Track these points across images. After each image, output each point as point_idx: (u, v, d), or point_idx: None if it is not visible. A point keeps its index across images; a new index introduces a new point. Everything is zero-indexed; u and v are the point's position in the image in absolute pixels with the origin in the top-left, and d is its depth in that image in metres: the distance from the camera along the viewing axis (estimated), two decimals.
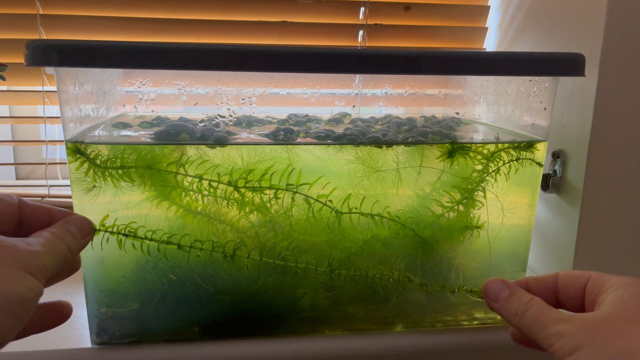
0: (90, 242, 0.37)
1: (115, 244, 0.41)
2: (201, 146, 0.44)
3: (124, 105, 0.54)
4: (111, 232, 0.40)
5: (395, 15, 0.74)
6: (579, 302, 0.34)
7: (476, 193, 0.48)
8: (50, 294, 0.58)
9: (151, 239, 0.41)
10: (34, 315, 0.31)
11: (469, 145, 0.47)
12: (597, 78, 0.52)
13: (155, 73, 0.45)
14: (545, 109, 0.49)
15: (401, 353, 0.49)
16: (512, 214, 0.50)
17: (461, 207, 0.48)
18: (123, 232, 0.40)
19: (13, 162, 0.82)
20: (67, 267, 0.36)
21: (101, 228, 0.39)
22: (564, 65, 0.45)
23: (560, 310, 0.32)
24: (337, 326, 0.50)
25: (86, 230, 0.36)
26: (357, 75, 0.53)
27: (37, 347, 0.46)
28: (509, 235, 0.51)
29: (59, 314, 0.37)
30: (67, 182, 0.43)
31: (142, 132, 0.48)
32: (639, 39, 0.52)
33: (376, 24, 0.74)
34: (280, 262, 0.45)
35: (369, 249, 0.47)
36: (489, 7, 0.76)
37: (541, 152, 0.49)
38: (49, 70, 0.42)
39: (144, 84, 0.46)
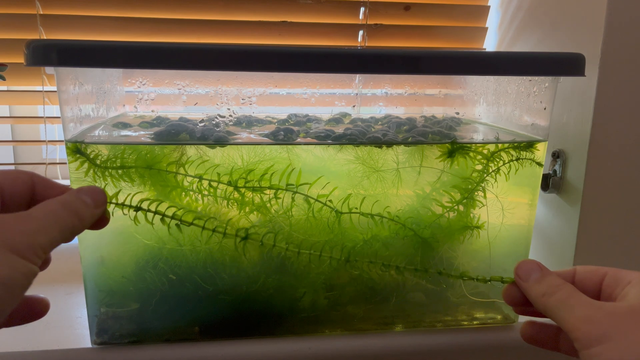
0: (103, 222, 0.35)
1: (116, 244, 0.41)
2: (201, 146, 0.44)
3: (124, 105, 0.54)
4: (123, 206, 0.39)
5: (395, 15, 0.74)
6: (595, 296, 0.34)
7: (476, 193, 0.48)
8: (51, 294, 0.58)
9: (163, 215, 0.40)
10: None
11: (469, 145, 0.47)
12: (597, 78, 0.52)
13: (155, 73, 0.45)
14: (545, 109, 0.49)
15: (401, 353, 0.49)
16: (512, 214, 0.50)
17: (461, 207, 0.48)
18: (135, 206, 0.39)
19: (13, 162, 0.82)
20: (26, 312, 0.33)
21: (113, 201, 0.38)
22: (564, 65, 0.45)
23: (589, 298, 0.31)
24: (337, 326, 0.50)
25: (100, 200, 0.34)
26: (357, 75, 0.53)
27: (37, 347, 0.46)
28: (509, 235, 0.51)
29: (32, 311, 0.33)
30: (67, 182, 0.43)
31: (142, 132, 0.48)
32: (639, 39, 0.52)
33: (376, 24, 0.74)
34: (295, 249, 0.44)
35: (369, 249, 0.47)
36: (489, 7, 0.76)
37: (541, 152, 0.49)
38: (49, 70, 0.42)
39: (144, 84, 0.46)
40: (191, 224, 0.42)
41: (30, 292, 0.29)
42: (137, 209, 0.40)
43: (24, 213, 0.29)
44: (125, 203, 0.39)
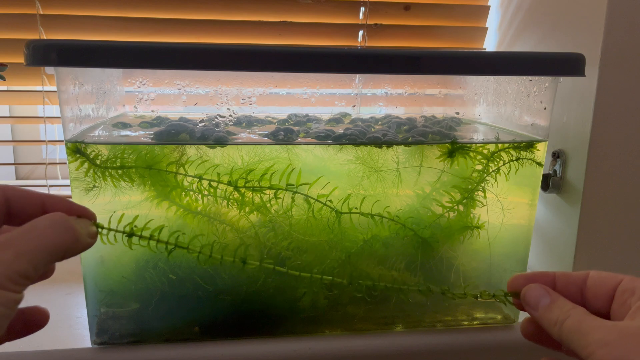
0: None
1: (116, 244, 0.41)
2: (201, 146, 0.44)
3: (124, 105, 0.54)
4: (116, 231, 0.37)
5: (395, 15, 0.74)
6: (607, 302, 0.33)
7: (476, 193, 0.48)
8: (51, 294, 0.58)
9: (158, 240, 0.39)
10: None
11: (469, 145, 0.47)
12: (597, 78, 0.52)
13: (155, 73, 0.45)
14: (545, 109, 0.49)
15: (401, 353, 0.49)
16: (512, 214, 0.50)
17: (461, 207, 0.48)
18: (124, 231, 0.38)
19: (13, 162, 0.82)
20: (25, 325, 0.32)
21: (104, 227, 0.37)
22: (564, 65, 0.45)
23: (602, 319, 0.31)
24: (337, 326, 0.50)
25: (92, 232, 0.33)
26: (357, 75, 0.53)
27: (37, 347, 0.46)
28: (509, 235, 0.51)
29: (31, 323, 0.32)
30: (67, 182, 0.43)
31: (142, 132, 0.48)
32: (639, 39, 0.52)
33: (376, 24, 0.74)
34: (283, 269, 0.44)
35: (369, 249, 0.47)
36: (489, 7, 0.76)
37: (541, 152, 0.49)
38: (49, 70, 0.42)
39: (144, 84, 0.46)
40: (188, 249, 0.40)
41: (29, 295, 0.29)
42: (130, 234, 0.38)
43: (2, 238, 0.27)
44: (112, 228, 0.37)
